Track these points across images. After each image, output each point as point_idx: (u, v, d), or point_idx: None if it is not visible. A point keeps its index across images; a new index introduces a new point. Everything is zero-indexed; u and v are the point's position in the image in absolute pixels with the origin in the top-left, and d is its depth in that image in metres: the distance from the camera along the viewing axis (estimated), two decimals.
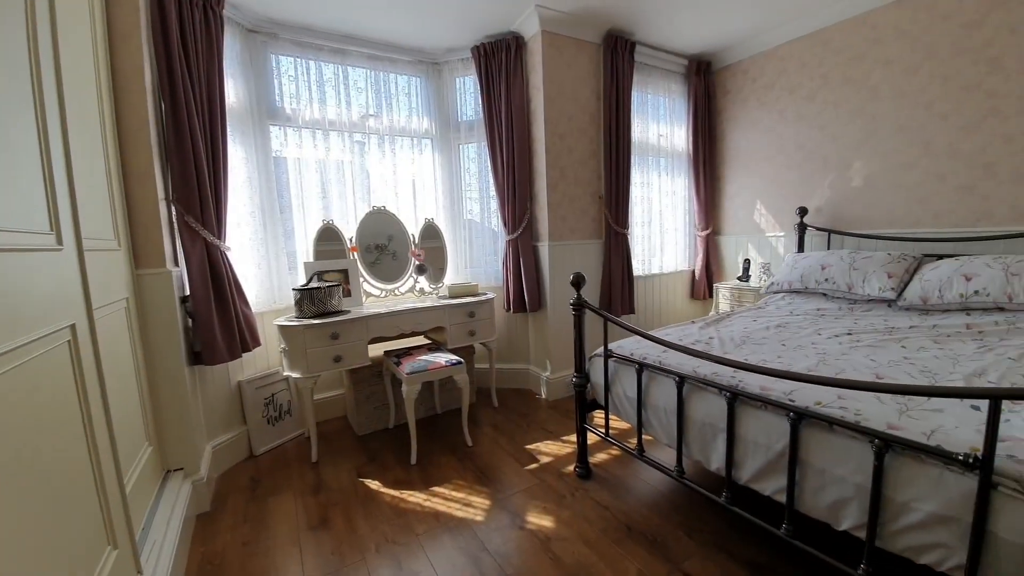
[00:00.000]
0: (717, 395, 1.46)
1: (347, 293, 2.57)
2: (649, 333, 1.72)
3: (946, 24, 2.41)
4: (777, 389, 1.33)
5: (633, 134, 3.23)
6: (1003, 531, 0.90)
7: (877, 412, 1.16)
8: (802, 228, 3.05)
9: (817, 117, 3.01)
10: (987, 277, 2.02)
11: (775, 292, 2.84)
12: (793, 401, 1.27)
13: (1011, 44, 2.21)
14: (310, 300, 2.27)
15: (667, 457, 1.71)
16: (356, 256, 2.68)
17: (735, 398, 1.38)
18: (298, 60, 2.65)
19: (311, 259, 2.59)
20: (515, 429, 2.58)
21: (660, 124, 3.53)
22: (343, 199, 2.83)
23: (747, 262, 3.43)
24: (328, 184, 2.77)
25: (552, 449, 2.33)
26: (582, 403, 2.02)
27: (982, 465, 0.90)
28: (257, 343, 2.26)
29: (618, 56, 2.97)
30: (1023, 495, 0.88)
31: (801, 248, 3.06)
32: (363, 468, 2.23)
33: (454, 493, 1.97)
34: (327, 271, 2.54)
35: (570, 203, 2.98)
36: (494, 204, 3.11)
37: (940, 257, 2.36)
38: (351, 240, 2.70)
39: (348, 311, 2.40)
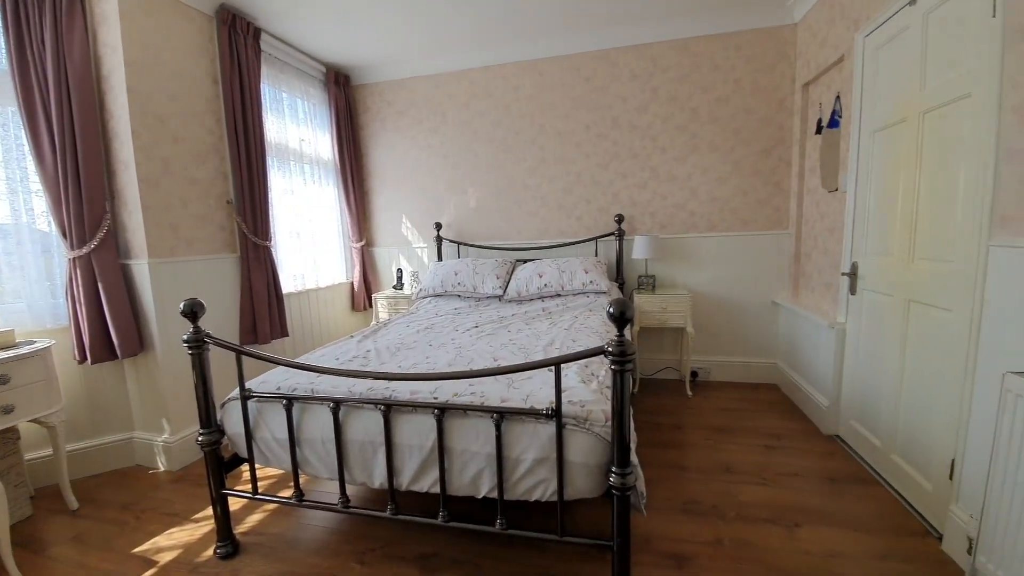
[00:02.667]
0: (373, 410, 1.41)
1: None
2: (296, 361, 1.51)
3: (520, 87, 3.32)
4: (424, 391, 1.41)
5: (269, 134, 2.85)
6: (572, 455, 1.24)
7: (494, 390, 1.40)
8: (439, 240, 3.53)
9: (440, 147, 3.55)
10: (550, 274, 2.91)
11: (424, 297, 3.16)
12: (437, 398, 1.37)
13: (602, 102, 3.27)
14: None
15: (331, 490, 1.55)
16: None
17: (389, 409, 1.38)
18: None
19: None
20: (114, 532, 1.77)
21: (300, 127, 3.29)
22: None
23: (399, 271, 3.68)
24: None
25: (181, 538, 1.72)
26: (217, 464, 1.58)
27: (556, 413, 1.22)
28: None
29: (239, 38, 2.53)
30: (578, 427, 1.24)
31: (440, 257, 3.54)
32: None
33: None
34: None
35: (183, 207, 2.31)
36: (41, 202, 2.05)
37: (525, 261, 3.23)
38: None
39: None
